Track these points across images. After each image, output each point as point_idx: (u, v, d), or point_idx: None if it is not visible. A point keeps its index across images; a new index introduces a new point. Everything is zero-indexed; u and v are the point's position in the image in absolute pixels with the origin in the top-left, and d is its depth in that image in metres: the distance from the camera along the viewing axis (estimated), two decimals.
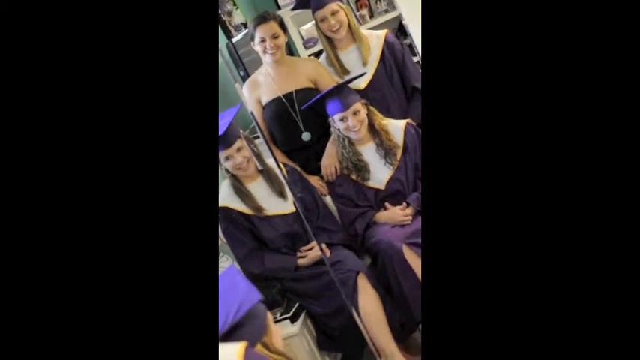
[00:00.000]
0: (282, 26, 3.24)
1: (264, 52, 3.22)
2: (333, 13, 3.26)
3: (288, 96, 3.26)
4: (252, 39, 3.26)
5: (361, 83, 3.28)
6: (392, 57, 3.36)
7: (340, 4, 3.28)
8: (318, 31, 3.34)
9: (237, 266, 3.05)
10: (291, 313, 2.89)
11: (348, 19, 3.29)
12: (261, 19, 3.21)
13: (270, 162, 3.03)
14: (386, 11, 4.67)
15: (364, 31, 3.47)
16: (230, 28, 4.57)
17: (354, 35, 3.33)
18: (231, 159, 2.94)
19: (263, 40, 3.19)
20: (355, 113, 3.03)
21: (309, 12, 4.55)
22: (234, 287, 1.90)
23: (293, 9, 3.79)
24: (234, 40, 4.28)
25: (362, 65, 3.32)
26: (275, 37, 3.19)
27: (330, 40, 3.34)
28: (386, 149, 3.10)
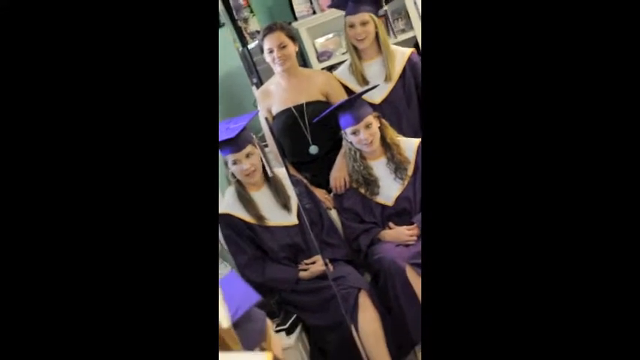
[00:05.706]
0: (291, 35, 3.23)
1: (273, 62, 3.22)
2: (363, 23, 3.24)
3: (298, 108, 3.24)
4: (262, 51, 3.27)
5: (377, 98, 3.25)
6: (413, 76, 3.33)
7: (373, 15, 3.27)
8: (346, 35, 3.33)
9: (238, 273, 3.02)
10: (288, 325, 2.86)
11: (377, 32, 3.27)
12: (268, 29, 3.21)
13: (277, 172, 3.01)
14: (403, 31, 4.64)
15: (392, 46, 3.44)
16: (246, 34, 4.55)
17: (380, 48, 3.31)
18: (239, 163, 2.90)
19: (271, 51, 3.19)
20: (367, 126, 3.00)
21: (324, 25, 4.64)
22: (233, 291, 1.87)
23: (329, 7, 3.87)
24: (249, 47, 4.25)
25: (384, 79, 3.30)
26: (282, 46, 3.17)
27: (355, 49, 3.32)
28: (396, 163, 3.07)
